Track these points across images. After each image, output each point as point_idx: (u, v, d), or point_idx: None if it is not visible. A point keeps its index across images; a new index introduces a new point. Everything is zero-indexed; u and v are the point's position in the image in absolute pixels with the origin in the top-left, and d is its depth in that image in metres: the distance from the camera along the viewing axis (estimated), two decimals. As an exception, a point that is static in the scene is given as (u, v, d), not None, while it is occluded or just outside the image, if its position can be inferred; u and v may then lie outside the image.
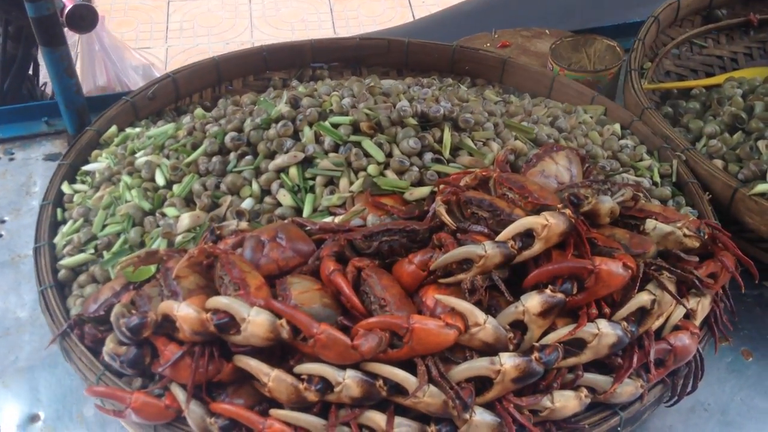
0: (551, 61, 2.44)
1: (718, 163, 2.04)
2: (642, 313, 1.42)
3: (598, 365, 1.43)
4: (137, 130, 2.06)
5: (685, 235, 1.53)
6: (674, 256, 1.53)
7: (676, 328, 1.49)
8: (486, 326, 1.30)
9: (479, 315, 1.30)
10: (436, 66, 2.46)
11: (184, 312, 1.29)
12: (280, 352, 1.35)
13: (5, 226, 2.19)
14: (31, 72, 3.45)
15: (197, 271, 1.43)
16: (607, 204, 1.51)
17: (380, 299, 1.34)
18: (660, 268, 1.44)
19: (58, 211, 1.84)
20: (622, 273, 1.36)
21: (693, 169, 2.01)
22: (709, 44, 2.75)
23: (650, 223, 1.54)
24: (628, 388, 1.40)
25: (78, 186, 1.90)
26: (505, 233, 1.36)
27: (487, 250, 1.34)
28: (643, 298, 1.40)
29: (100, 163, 1.94)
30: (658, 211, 1.61)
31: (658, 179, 1.97)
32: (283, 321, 1.27)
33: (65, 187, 1.89)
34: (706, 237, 1.56)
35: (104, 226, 1.72)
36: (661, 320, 1.47)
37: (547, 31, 2.83)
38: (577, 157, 1.75)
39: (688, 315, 1.51)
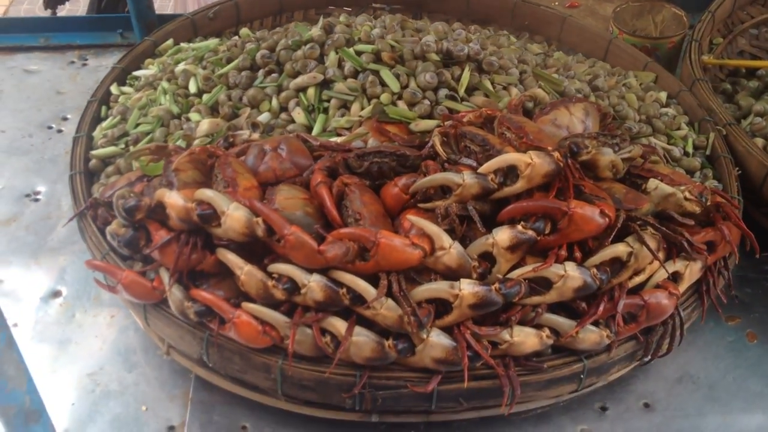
0: (612, 25, 2.39)
1: (759, 141, 1.97)
2: (619, 266, 1.42)
3: (569, 312, 1.44)
4: (191, 45, 2.17)
5: (686, 199, 1.51)
6: (672, 219, 1.51)
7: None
8: (451, 251, 1.33)
9: (445, 239, 1.33)
10: (496, 18, 2.45)
11: (173, 199, 1.38)
12: (261, 252, 1.43)
13: (67, 123, 2.34)
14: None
15: (198, 168, 1.52)
16: (608, 156, 1.50)
17: (356, 213, 1.39)
18: (645, 223, 1.43)
19: (103, 108, 1.97)
20: (598, 220, 1.36)
21: (731, 145, 1.95)
22: (795, 28, 2.62)
23: (652, 183, 1.53)
24: (591, 335, 1.41)
25: (125, 88, 2.03)
26: (487, 166, 1.38)
27: (465, 180, 1.36)
28: (618, 249, 1.39)
29: (148, 71, 2.06)
30: (665, 173, 1.59)
31: (690, 150, 1.93)
32: (259, 219, 1.34)
33: (113, 88, 2.01)
34: (708, 203, 1.53)
35: (137, 125, 1.84)
36: (642, 277, 1.46)
37: (621, -6, 2.76)
38: (596, 111, 1.73)
39: (676, 278, 1.50)
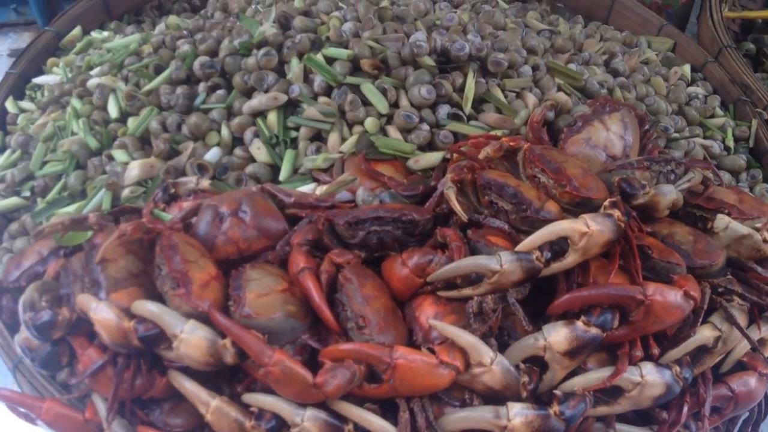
0: (614, -24, 2.01)
1: (809, 126, 1.65)
2: (700, 350, 1.10)
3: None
4: (105, 34, 1.71)
5: (764, 240, 1.19)
6: (745, 267, 1.19)
7: (740, 364, 1.17)
8: (493, 368, 0.98)
9: (485, 353, 0.98)
10: (473, -28, 2.04)
11: (102, 316, 0.99)
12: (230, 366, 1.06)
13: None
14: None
15: (132, 251, 1.11)
16: (669, 196, 1.16)
17: (358, 317, 1.02)
18: (730, 291, 1.11)
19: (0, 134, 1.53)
20: (682, 305, 1.03)
21: (776, 132, 1.64)
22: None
23: (721, 221, 1.20)
24: (670, 444, 1.10)
25: (25, 104, 1.58)
26: (531, 241, 1.02)
27: (504, 264, 1.00)
28: (704, 335, 1.07)
29: (53, 76, 1.61)
30: (732, 202, 1.26)
31: (731, 143, 1.60)
32: (228, 341, 0.97)
33: (10, 104, 1.57)
34: (791, 243, 1.21)
35: (44, 164, 1.41)
36: (722, 354, 1.15)
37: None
38: (634, 119, 1.37)
39: (760, 345, 1.19)
